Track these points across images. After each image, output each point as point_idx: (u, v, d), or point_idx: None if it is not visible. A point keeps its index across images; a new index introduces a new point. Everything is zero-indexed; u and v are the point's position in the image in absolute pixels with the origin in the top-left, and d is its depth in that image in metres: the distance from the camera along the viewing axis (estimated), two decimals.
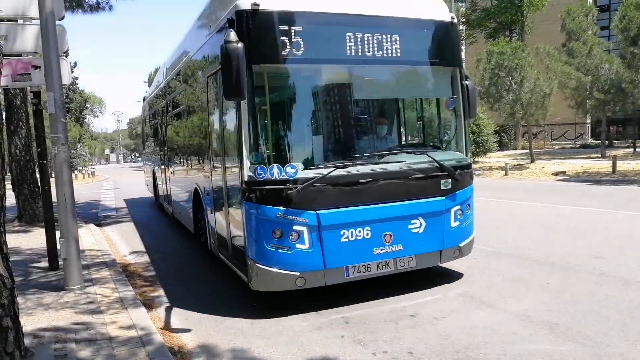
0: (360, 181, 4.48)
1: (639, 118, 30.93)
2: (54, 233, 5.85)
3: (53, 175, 5.38)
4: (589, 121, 40.67)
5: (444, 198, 4.85)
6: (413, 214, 4.70)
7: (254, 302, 4.85)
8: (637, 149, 25.41)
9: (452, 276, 5.45)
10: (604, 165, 17.56)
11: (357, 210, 4.46)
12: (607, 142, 26.00)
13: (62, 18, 5.66)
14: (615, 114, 27.40)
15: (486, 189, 13.44)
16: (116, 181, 28.46)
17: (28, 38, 5.81)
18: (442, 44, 5.06)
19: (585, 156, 23.93)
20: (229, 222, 5.07)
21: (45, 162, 6.10)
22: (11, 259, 3.43)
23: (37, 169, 8.32)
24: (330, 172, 4.33)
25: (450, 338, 3.85)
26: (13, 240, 7.76)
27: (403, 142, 5.71)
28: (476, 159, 23.10)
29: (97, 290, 5.13)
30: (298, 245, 4.31)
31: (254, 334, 4.13)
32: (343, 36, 4.43)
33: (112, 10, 12.61)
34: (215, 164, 5.52)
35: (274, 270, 4.30)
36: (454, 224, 4.95)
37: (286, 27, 4.21)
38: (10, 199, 9.21)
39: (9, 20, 5.79)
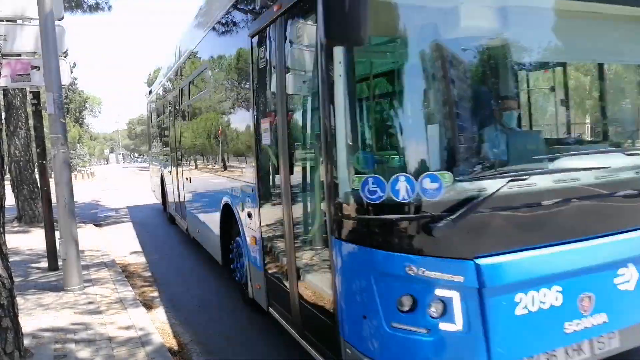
0: (544, 202, 2.56)
1: None
2: (54, 233, 5.85)
3: (52, 175, 5.38)
4: None
5: None
6: (623, 258, 2.74)
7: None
8: None
9: None
10: None
11: (541, 257, 2.50)
12: None
13: (62, 18, 5.66)
14: None
15: None
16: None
17: (27, 38, 5.80)
18: None
19: None
20: (296, 268, 3.19)
21: (44, 162, 6.10)
22: (11, 260, 3.43)
23: (36, 170, 8.31)
24: (502, 187, 2.38)
25: None
26: (12, 241, 7.75)
27: (606, 136, 3.53)
28: None
29: (96, 290, 5.13)
30: (443, 325, 2.38)
31: (252, 335, 4.13)
32: None
33: (111, 10, 12.63)
34: (264, 170, 3.75)
35: None
36: None
37: None
38: (10, 199, 9.23)
39: (8, 20, 5.79)
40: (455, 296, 2.36)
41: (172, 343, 3.98)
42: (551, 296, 2.53)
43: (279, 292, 3.57)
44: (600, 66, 3.38)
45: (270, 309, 3.83)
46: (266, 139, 3.60)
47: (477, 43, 2.70)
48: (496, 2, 2.68)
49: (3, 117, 9.58)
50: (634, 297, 2.76)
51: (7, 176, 9.56)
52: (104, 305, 4.61)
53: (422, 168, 2.38)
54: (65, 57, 5.98)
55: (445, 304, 2.37)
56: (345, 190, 2.45)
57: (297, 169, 3.12)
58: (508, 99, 3.02)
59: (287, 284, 3.36)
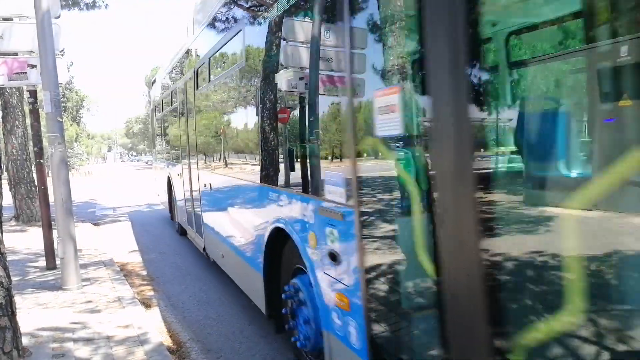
0: None
1: None
2: (51, 232, 5.85)
3: (50, 174, 5.37)
4: None
5: None
6: None
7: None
8: None
9: None
10: None
11: None
12: None
13: (58, 17, 5.64)
14: None
15: None
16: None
17: (24, 37, 5.78)
18: None
19: None
20: None
21: (42, 161, 6.09)
22: (8, 259, 3.43)
23: (34, 168, 8.29)
24: None
25: None
26: (10, 240, 7.74)
27: None
28: None
29: (94, 289, 5.13)
30: None
31: (252, 332, 4.14)
32: None
33: (108, 8, 12.60)
34: (374, 184, 2.27)
35: None
36: None
37: None
38: (7, 198, 9.21)
39: (4, 18, 5.77)
40: None
41: (171, 341, 3.99)
42: None
43: None
44: None
45: None
46: (388, 128, 2.00)
47: None
48: None
49: (0, 115, 9.56)
50: None
51: (5, 175, 9.55)
52: (102, 304, 4.61)
53: None
54: (62, 55, 5.96)
55: None
56: None
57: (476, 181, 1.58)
58: None
59: None
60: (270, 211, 3.47)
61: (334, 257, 2.52)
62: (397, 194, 2.11)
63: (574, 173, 1.65)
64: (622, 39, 1.40)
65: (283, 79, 3.16)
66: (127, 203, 15.04)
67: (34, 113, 6.10)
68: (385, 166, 2.15)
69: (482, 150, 1.79)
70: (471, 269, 1.59)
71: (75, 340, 3.75)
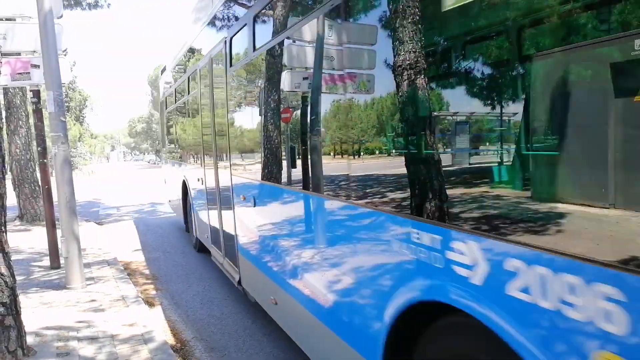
0: None
1: None
2: (55, 232, 5.87)
3: (54, 174, 5.38)
4: None
5: None
6: None
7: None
8: None
9: None
10: None
11: None
12: None
13: (61, 16, 5.65)
14: None
15: None
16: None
17: (27, 37, 5.80)
18: None
19: None
20: None
21: (45, 161, 6.10)
22: (12, 258, 3.44)
23: (37, 168, 8.31)
24: None
25: None
26: (14, 240, 7.77)
27: None
28: None
29: (98, 288, 5.14)
30: None
31: (255, 330, 4.15)
32: None
33: (110, 7, 12.62)
34: None
35: None
36: None
37: None
38: (11, 198, 9.24)
39: (7, 19, 5.78)
40: None
41: (174, 340, 4.00)
42: None
43: None
44: None
45: None
46: None
47: None
48: None
49: (4, 116, 9.58)
50: None
51: (8, 175, 9.57)
52: (106, 303, 4.62)
53: None
54: (64, 55, 5.97)
55: None
56: None
57: None
58: None
59: None
60: (410, 265, 1.84)
61: None
62: None
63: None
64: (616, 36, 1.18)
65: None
66: (130, 202, 15.07)
67: (37, 113, 6.11)
68: None
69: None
70: None
71: (79, 339, 3.76)
